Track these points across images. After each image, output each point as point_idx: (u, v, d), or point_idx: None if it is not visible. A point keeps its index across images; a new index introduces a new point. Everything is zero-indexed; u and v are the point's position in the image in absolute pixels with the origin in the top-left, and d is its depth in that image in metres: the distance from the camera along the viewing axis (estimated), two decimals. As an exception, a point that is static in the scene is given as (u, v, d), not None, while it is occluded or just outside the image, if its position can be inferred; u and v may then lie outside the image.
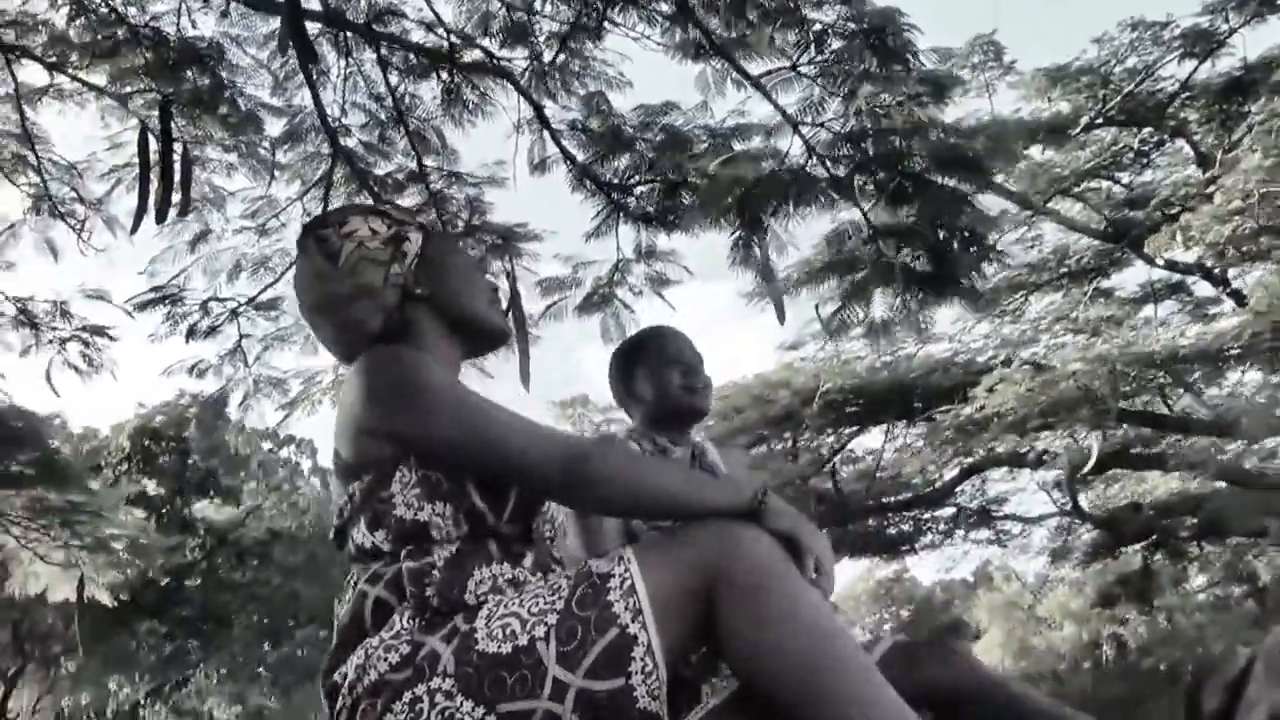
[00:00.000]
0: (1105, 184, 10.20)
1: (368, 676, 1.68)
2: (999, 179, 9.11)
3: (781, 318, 4.95)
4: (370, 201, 2.20)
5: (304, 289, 2.01)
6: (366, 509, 1.82)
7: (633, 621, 1.61)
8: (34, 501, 6.94)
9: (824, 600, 1.63)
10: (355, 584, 1.84)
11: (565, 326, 6.41)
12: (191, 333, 6.43)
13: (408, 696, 1.62)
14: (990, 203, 10.03)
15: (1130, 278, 11.65)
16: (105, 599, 7.76)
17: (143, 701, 14.18)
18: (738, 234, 4.86)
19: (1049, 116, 9.04)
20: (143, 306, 6.26)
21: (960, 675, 2.18)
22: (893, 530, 15.34)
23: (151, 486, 14.91)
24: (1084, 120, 9.05)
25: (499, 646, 1.63)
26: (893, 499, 13.43)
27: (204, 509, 15.09)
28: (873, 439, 12.60)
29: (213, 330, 6.52)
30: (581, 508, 1.93)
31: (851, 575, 25.24)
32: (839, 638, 1.59)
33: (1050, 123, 8.92)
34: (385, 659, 1.68)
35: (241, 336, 6.65)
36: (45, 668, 13.24)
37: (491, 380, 7.00)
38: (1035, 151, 9.57)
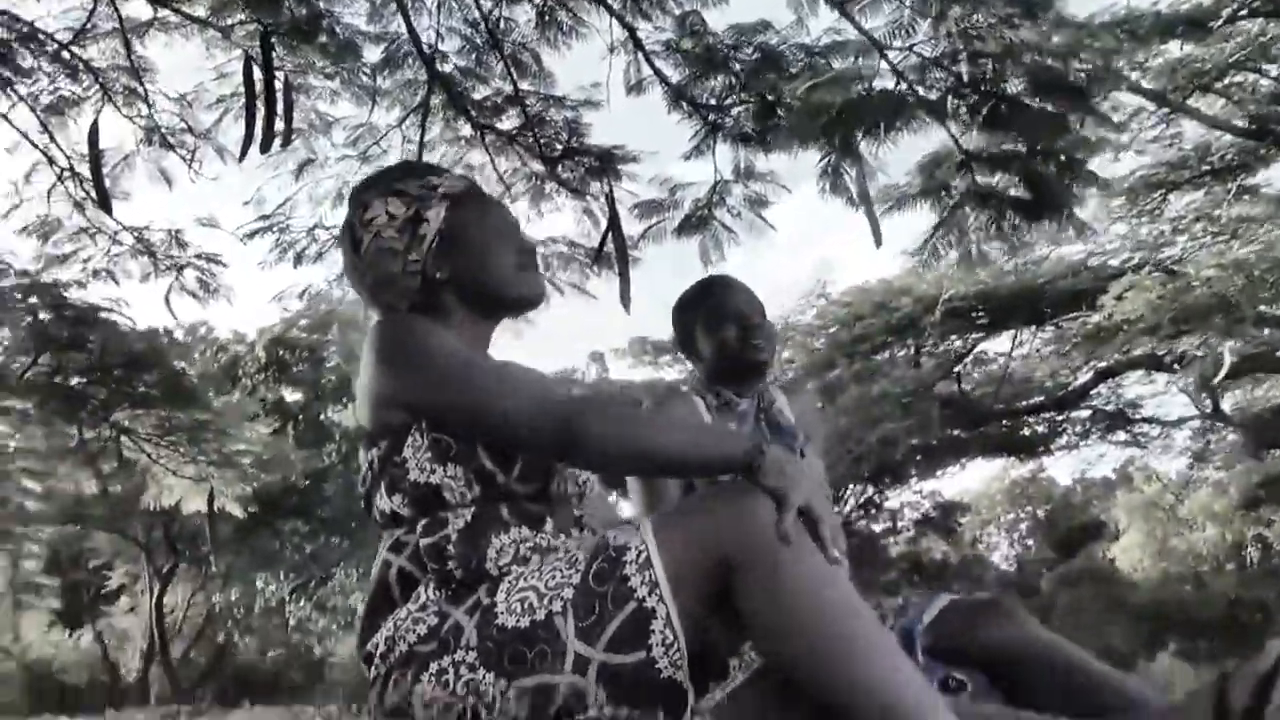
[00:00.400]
0: (1250, 77, 9.57)
1: (398, 648, 1.74)
2: (1133, 75, 8.66)
3: (878, 240, 4.84)
4: (410, 166, 2.13)
5: (346, 277, 2.10)
6: (385, 474, 1.86)
7: (650, 595, 1.62)
8: (162, 420, 7.31)
9: (842, 575, 1.62)
10: (380, 552, 1.91)
11: (664, 249, 6.43)
12: (299, 259, 6.62)
13: (434, 668, 1.67)
14: (1125, 100, 9.60)
15: (1277, 175, 11.04)
16: (236, 511, 8.16)
17: (288, 598, 14.91)
18: (828, 159, 4.73)
19: (1188, 9, 8.48)
20: (251, 235, 6.48)
21: (1016, 636, 2.19)
22: (1026, 431, 15.12)
23: (288, 394, 15.49)
24: (1226, 12, 8.47)
25: (518, 620, 1.66)
26: (1024, 403, 13.17)
27: (339, 415, 15.61)
28: (1000, 344, 12.37)
29: (319, 256, 6.70)
30: (580, 467, 1.89)
31: (986, 474, 24.96)
32: (858, 616, 1.58)
33: (1190, 15, 8.37)
34: (413, 630, 1.74)
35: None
36: (197, 566, 14.01)
37: (596, 300, 7.15)
38: (1174, 46, 9.02)
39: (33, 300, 7.05)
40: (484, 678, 1.64)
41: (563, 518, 1.87)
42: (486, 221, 2.00)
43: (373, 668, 1.79)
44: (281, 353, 14.67)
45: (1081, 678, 2.13)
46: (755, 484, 1.66)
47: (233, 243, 7.01)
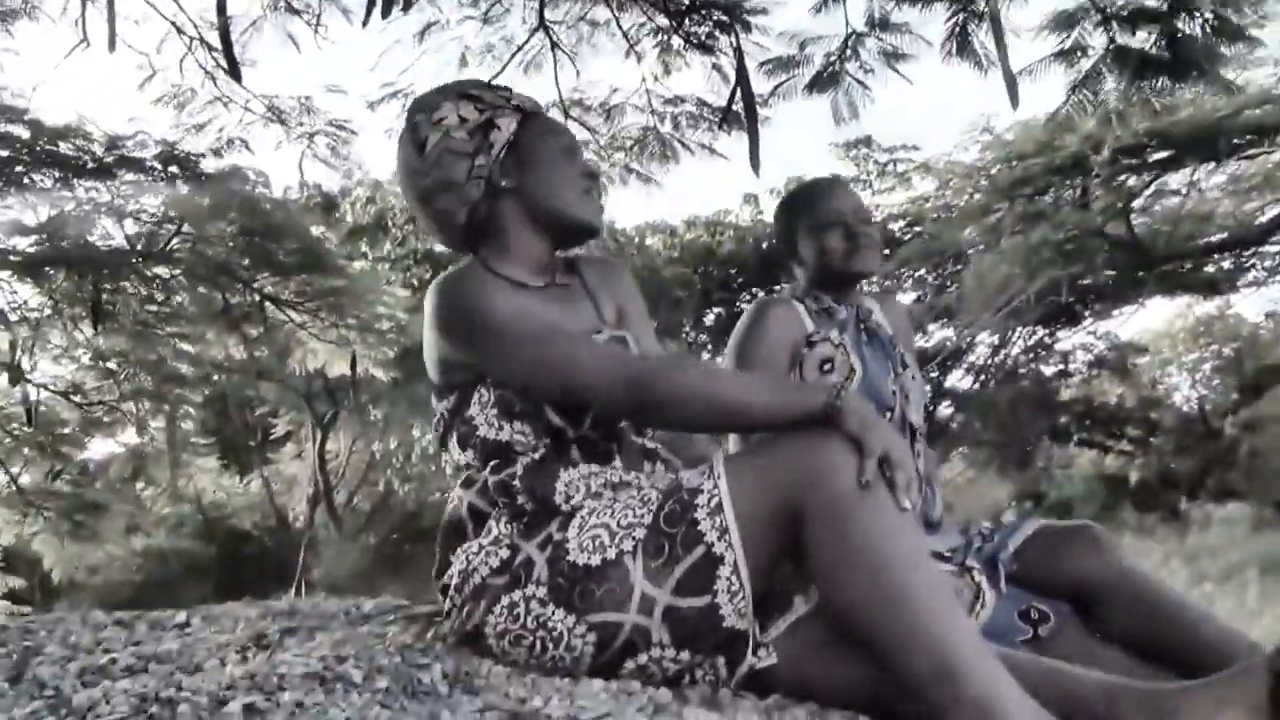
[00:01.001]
0: None
1: (471, 580, 1.84)
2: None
3: (1015, 102, 4.65)
4: (479, 81, 2.16)
5: (399, 181, 2.13)
6: (454, 429, 1.96)
7: (719, 540, 1.67)
8: (302, 286, 7.61)
9: (911, 527, 1.64)
10: (453, 488, 2.02)
11: (795, 106, 6.30)
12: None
13: (505, 600, 1.77)
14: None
15: None
16: (379, 374, 8.50)
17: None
18: (956, 18, 4.52)
19: None
20: (375, 103, 6.59)
21: (1102, 568, 2.20)
22: (1210, 268, 14.50)
23: (437, 246, 15.80)
24: None
25: (588, 558, 1.73)
26: (1203, 241, 12.59)
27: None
28: (1175, 181, 11.79)
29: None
30: (659, 428, 1.95)
31: (1168, 313, 24.04)
32: (919, 569, 1.60)
33: None
34: (486, 563, 1.84)
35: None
36: (357, 414, 14.65)
37: (727, 161, 7.12)
38: None
39: (172, 170, 7.33)
40: (553, 613, 1.72)
41: (631, 454, 1.93)
42: (556, 140, 2.02)
43: (448, 599, 1.88)
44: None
45: (1165, 619, 2.11)
46: (836, 429, 1.67)
47: (361, 109, 7.13)
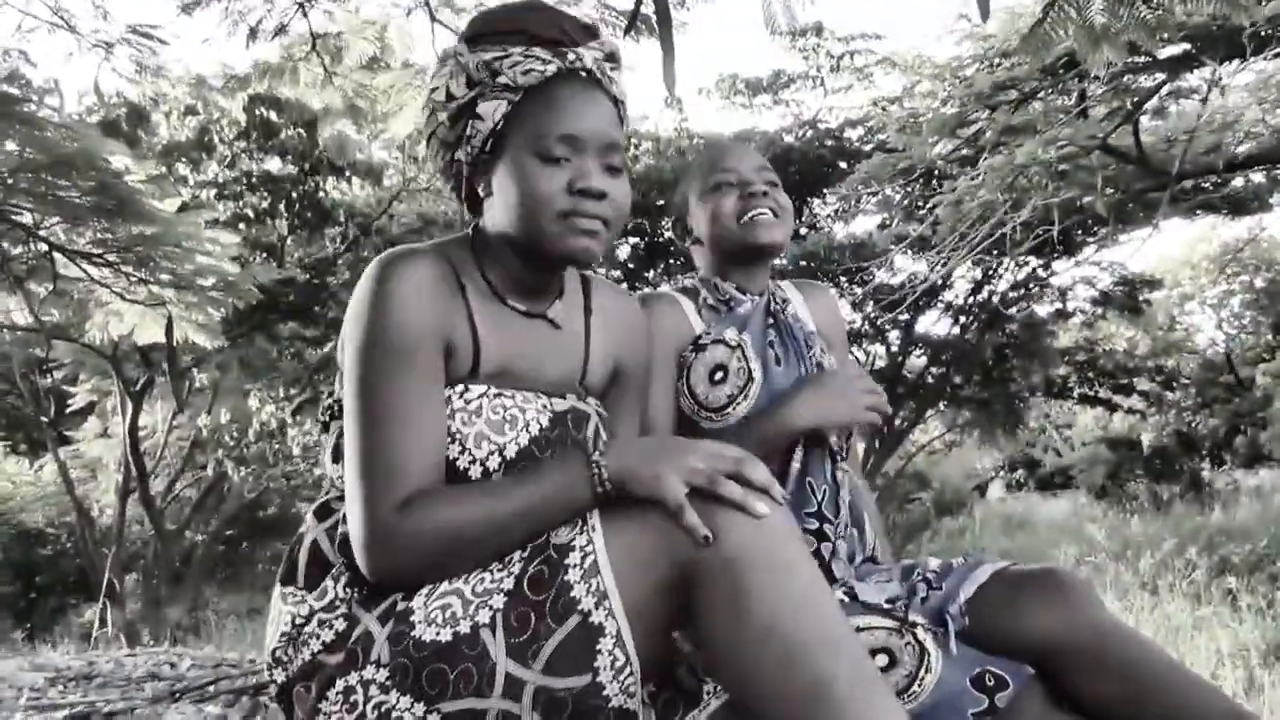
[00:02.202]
0: None
1: (300, 655, 1.87)
2: None
3: (985, 12, 4.76)
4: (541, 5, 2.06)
5: None
6: (333, 434, 2.04)
7: (596, 608, 1.69)
8: (102, 234, 7.50)
9: (824, 592, 1.66)
10: (307, 512, 2.07)
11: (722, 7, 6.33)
12: (254, 34, 6.66)
13: (341, 685, 1.77)
14: None
15: None
16: (203, 341, 8.44)
17: (291, 420, 15.38)
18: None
19: None
20: (190, 6, 6.51)
21: (1072, 622, 2.22)
22: (1237, 184, 14.80)
23: (276, 165, 15.63)
24: None
25: (437, 633, 1.74)
26: (1227, 153, 12.84)
27: (342, 190, 15.79)
28: (1193, 81, 11.98)
29: (282, 30, 6.74)
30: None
31: (1187, 237, 24.50)
32: (841, 654, 1.62)
33: None
34: (318, 635, 1.87)
35: (316, 36, 6.85)
36: (179, 380, 14.53)
37: (632, 72, 7.14)
38: None
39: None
40: (398, 701, 1.71)
41: None
42: (541, 138, 1.95)
43: (271, 671, 1.92)
44: (264, 112, 14.74)
45: (1149, 688, 2.13)
46: (630, 500, 1.75)
47: (170, 15, 7.01)
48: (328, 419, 2.07)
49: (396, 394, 1.82)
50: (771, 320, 2.70)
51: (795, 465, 2.55)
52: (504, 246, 2.01)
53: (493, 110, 1.95)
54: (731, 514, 1.68)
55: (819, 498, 2.57)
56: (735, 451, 1.78)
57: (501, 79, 1.95)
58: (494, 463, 1.90)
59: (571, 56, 1.97)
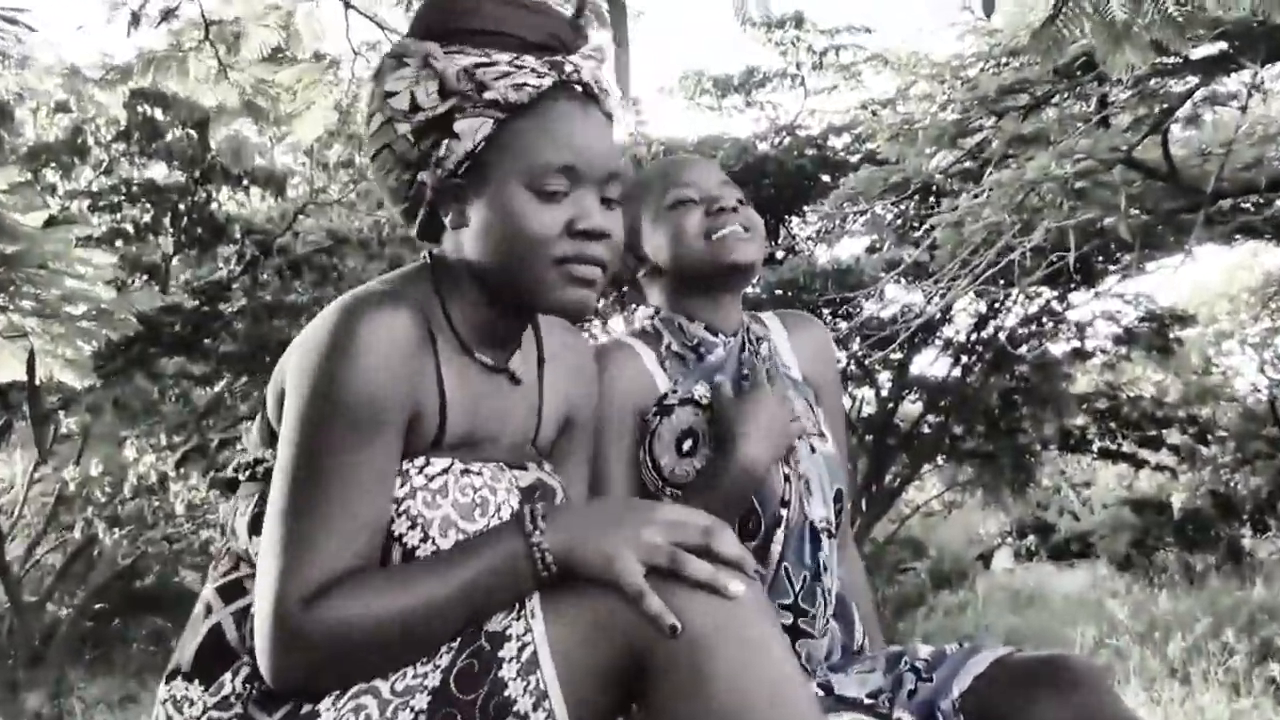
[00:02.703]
0: None
1: None
2: None
3: (990, 8, 4.85)
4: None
5: None
6: (247, 501, 2.02)
7: (535, 709, 1.70)
8: (-53, 252, 7.42)
9: (794, 676, 1.71)
10: (208, 582, 2.06)
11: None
12: (136, 19, 6.65)
13: None
14: None
15: None
16: (70, 380, 8.36)
17: (174, 473, 15.26)
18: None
19: None
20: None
21: (1083, 716, 2.22)
22: (1282, 203, 14.97)
23: (160, 173, 15.55)
24: None
25: None
26: (1268, 169, 12.97)
27: (238, 202, 15.72)
28: (1231, 85, 12.14)
29: (169, 14, 6.75)
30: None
31: (1228, 263, 24.65)
32: None
33: None
34: None
35: (209, 23, 6.86)
36: (41, 425, 14.43)
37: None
38: None
39: None
40: None
41: None
42: (545, 167, 1.93)
43: None
44: (148, 110, 14.67)
45: None
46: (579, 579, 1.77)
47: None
48: (243, 478, 2.04)
49: (343, 471, 1.80)
50: (748, 365, 2.69)
51: (776, 547, 2.55)
52: (473, 287, 2.00)
53: (474, 129, 1.92)
54: (698, 594, 1.71)
55: (796, 586, 2.57)
56: (701, 518, 1.80)
57: (489, 93, 1.91)
58: None
59: (569, 67, 1.96)
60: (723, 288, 2.71)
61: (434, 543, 1.87)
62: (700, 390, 2.60)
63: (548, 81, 1.93)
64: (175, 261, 15.51)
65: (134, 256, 14.69)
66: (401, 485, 1.89)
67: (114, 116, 14.63)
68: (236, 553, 2.02)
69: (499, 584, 1.78)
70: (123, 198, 15.06)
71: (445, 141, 1.93)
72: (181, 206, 15.35)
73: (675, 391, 2.62)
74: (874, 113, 15.17)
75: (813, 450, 2.67)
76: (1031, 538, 27.84)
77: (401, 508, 1.88)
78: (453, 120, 1.92)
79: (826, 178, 15.94)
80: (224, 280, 15.39)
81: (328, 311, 1.87)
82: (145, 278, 14.66)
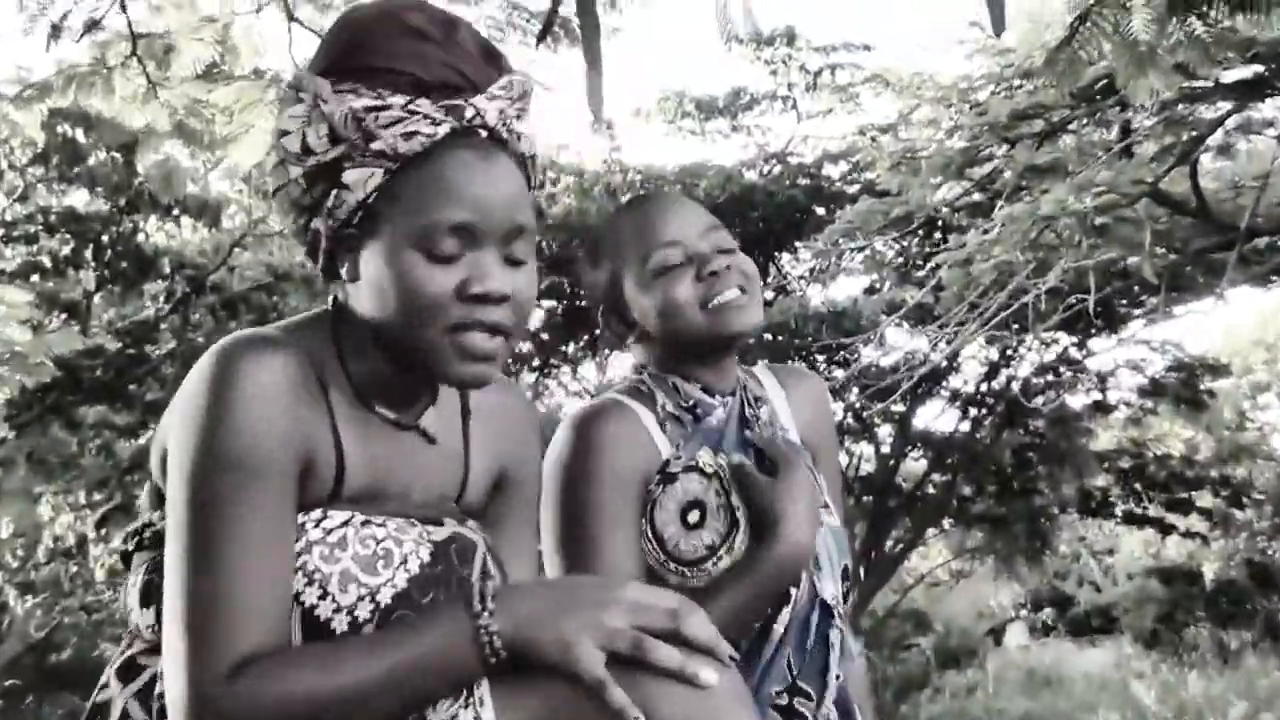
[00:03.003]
0: None
1: None
2: None
3: (1000, 27, 4.88)
4: (416, 30, 1.96)
5: None
6: (137, 572, 2.01)
7: None
8: None
9: None
10: (110, 666, 2.05)
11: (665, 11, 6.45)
12: (57, 31, 6.65)
13: None
14: None
15: None
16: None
17: (94, 534, 15.20)
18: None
19: None
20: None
21: None
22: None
23: (82, 201, 15.52)
24: None
25: None
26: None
27: (167, 232, 15.70)
28: (1267, 111, 12.22)
29: (93, 26, 6.76)
30: None
31: (1263, 307, 24.76)
32: None
33: None
34: None
35: (137, 36, 6.85)
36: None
37: (549, 92, 7.22)
38: None
39: None
40: None
41: None
42: (435, 227, 1.91)
43: None
44: (68, 131, 14.66)
45: None
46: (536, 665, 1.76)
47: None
48: (132, 548, 2.04)
49: (237, 527, 1.79)
50: (748, 431, 2.70)
51: (779, 628, 2.56)
52: (371, 341, 1.99)
53: (363, 180, 1.90)
54: (666, 683, 1.70)
55: (796, 669, 2.58)
56: (668, 599, 1.80)
57: (376, 144, 1.89)
58: (365, 610, 1.87)
59: (470, 112, 1.92)
60: (720, 352, 2.70)
61: (334, 599, 1.86)
62: (705, 457, 2.60)
63: (443, 130, 1.90)
64: (97, 299, 15.46)
65: (51, 293, 14.61)
66: (296, 540, 1.88)
67: (30, 138, 14.52)
68: (138, 627, 2.01)
69: (441, 668, 1.76)
70: (40, 227, 14.99)
71: (336, 191, 1.91)
72: (105, 238, 15.31)
73: (678, 457, 2.61)
74: (873, 139, 15.24)
75: (831, 531, 2.68)
76: (1048, 611, 27.88)
77: (298, 564, 1.86)
78: (341, 169, 1.90)
79: (821, 210, 16.00)
80: (151, 320, 15.37)
81: (204, 358, 1.87)
82: (64, 317, 14.60)
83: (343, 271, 1.98)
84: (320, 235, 1.95)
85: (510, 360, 22.32)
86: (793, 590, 2.55)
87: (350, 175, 1.89)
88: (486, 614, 1.78)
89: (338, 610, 1.87)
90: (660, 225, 2.68)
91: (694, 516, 2.53)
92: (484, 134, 1.95)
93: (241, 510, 1.79)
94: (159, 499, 1.96)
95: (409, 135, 1.88)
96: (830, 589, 2.62)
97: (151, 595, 1.93)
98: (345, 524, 1.91)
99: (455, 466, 2.14)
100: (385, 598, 1.89)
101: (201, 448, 1.79)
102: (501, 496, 2.24)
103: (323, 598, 1.85)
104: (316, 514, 1.91)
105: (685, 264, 2.64)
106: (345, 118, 1.88)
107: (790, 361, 17.82)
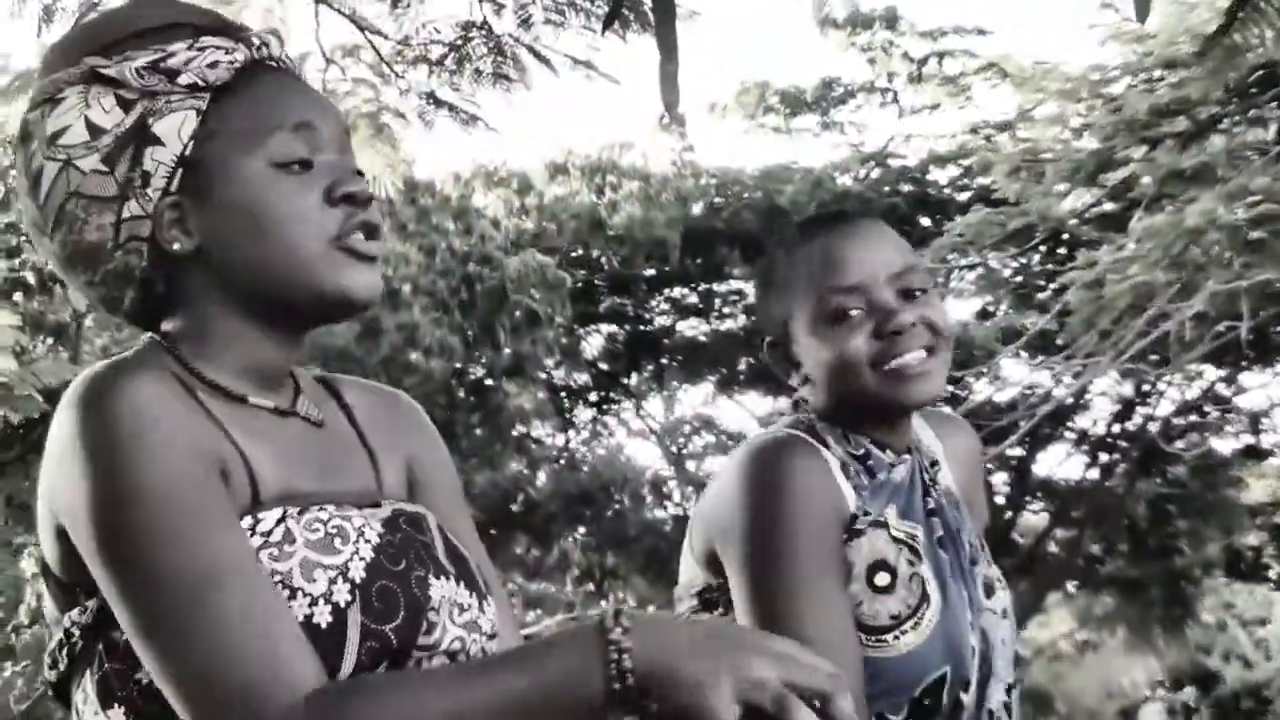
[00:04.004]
0: None
1: None
2: None
3: (1144, 12, 4.89)
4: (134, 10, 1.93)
5: (32, 239, 2.07)
6: (90, 664, 1.92)
7: None
8: None
9: None
10: None
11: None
12: (49, 15, 6.75)
13: None
14: None
15: None
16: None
17: None
18: None
19: None
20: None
21: None
22: None
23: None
24: None
25: None
26: None
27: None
28: None
29: (91, 8, 6.85)
30: None
31: None
32: None
33: None
34: None
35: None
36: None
37: (622, 88, 7.25)
38: None
39: None
40: None
41: None
42: (278, 130, 1.92)
43: None
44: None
45: None
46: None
47: None
48: (64, 667, 1.99)
49: (200, 555, 1.78)
50: (928, 494, 2.66)
51: None
52: (221, 319, 1.96)
53: (177, 127, 1.89)
54: None
55: None
56: (823, 665, 1.74)
57: (183, 78, 1.89)
58: (342, 593, 1.85)
59: (257, 42, 1.97)
60: (896, 415, 2.64)
61: (304, 593, 1.83)
62: (892, 516, 2.54)
63: (240, 56, 1.92)
64: (89, 321, 15.56)
65: (36, 314, 14.70)
66: None
67: (12, 135, 14.72)
68: None
69: (559, 691, 1.72)
70: (24, 239, 15.12)
71: (146, 152, 1.88)
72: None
73: (867, 513, 2.54)
74: (988, 138, 15.22)
75: (1005, 615, 2.64)
76: (1189, 690, 27.70)
77: None
78: (147, 127, 1.88)
79: (926, 221, 16.00)
80: (150, 345, 15.44)
81: (64, 406, 1.81)
82: (50, 341, 14.70)
83: (175, 247, 1.89)
84: (142, 213, 1.87)
85: (559, 393, 22.31)
86: (963, 696, 2.49)
87: (160, 126, 1.88)
88: (619, 629, 1.74)
89: (313, 603, 1.85)
90: (842, 263, 2.57)
91: (882, 579, 2.48)
92: (278, 67, 1.99)
93: (195, 535, 1.77)
94: (66, 592, 1.92)
95: (213, 64, 1.90)
96: (999, 695, 2.57)
97: (111, 689, 1.85)
98: (281, 520, 1.88)
99: (361, 459, 2.11)
100: (358, 571, 1.87)
101: (115, 495, 1.76)
102: (422, 491, 2.22)
103: (292, 597, 1.83)
104: (246, 522, 1.85)
105: (863, 312, 2.52)
106: (135, 71, 1.89)
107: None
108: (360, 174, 1.96)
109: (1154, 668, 26.30)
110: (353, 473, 2.08)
